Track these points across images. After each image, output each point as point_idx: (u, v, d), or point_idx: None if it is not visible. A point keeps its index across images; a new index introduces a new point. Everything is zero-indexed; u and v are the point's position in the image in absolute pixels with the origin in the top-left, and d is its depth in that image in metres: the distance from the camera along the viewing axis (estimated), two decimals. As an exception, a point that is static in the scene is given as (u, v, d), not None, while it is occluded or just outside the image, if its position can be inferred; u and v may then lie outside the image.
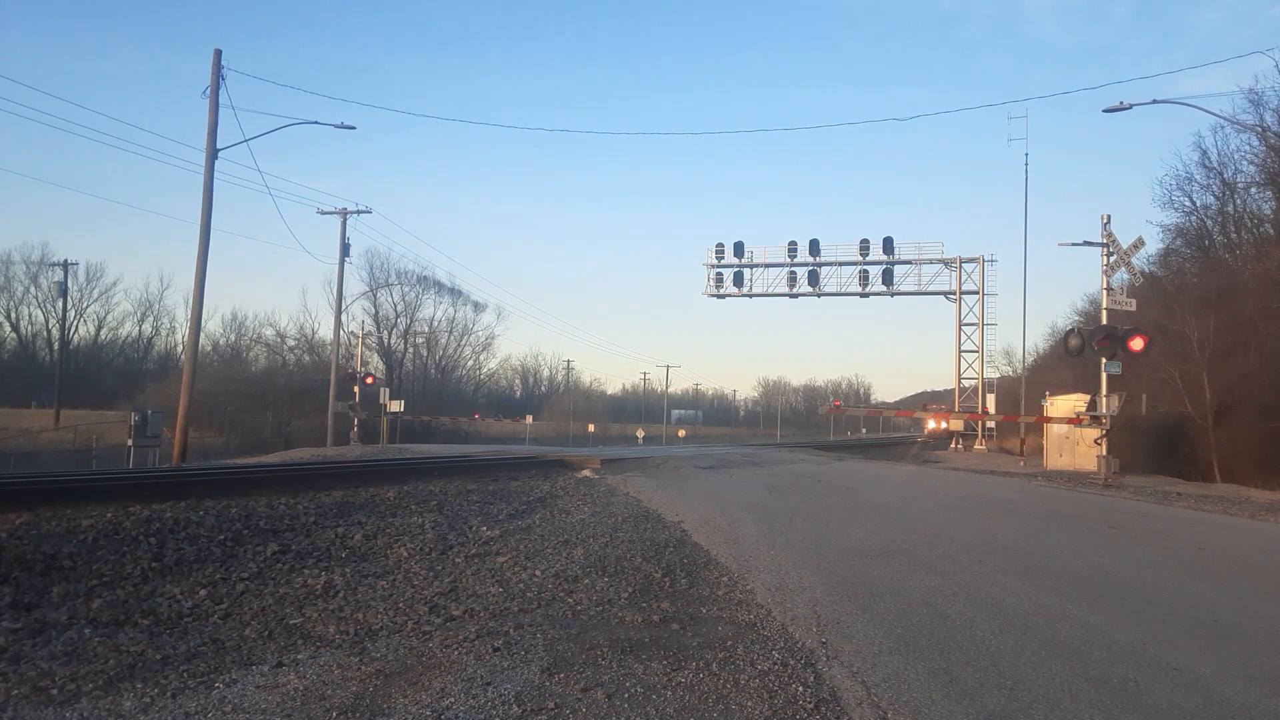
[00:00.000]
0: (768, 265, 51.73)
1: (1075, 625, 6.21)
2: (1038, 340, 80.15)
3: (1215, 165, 32.83)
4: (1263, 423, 23.15)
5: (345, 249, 41.23)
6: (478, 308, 76.23)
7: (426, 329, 70.96)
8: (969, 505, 15.09)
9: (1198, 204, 34.69)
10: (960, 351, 50.50)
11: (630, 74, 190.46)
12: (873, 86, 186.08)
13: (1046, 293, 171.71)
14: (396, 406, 41.25)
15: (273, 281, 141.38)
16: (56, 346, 63.84)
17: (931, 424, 58.32)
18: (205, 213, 24.86)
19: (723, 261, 52.10)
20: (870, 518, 12.74)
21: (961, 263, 50.13)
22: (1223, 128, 31.35)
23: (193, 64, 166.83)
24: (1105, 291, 23.78)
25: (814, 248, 50.77)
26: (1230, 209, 33.05)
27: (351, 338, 49.44)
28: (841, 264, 51.02)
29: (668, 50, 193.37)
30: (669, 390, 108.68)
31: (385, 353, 66.46)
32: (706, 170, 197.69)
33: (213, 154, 24.95)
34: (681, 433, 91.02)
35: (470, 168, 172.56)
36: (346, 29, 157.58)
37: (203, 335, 39.78)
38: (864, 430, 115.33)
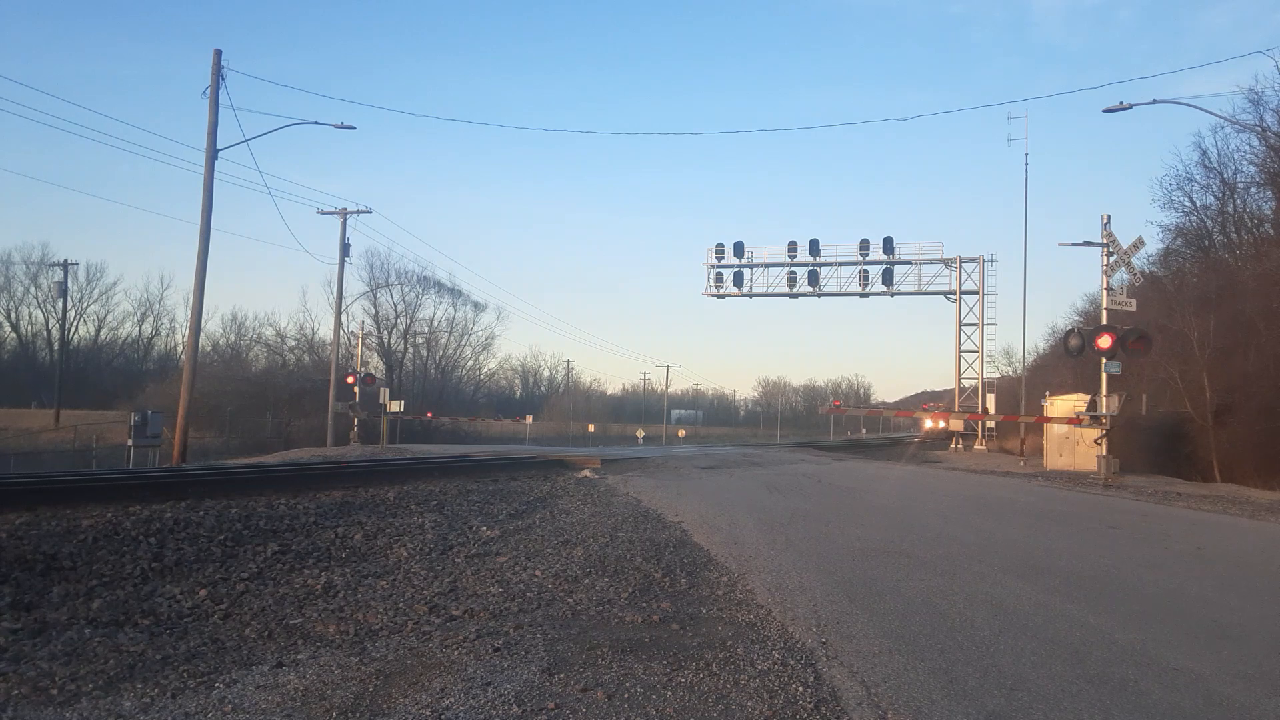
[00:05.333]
0: (768, 265, 51.68)
1: (1075, 625, 6.21)
2: (1038, 340, 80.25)
3: (1215, 165, 32.88)
4: (1263, 423, 23.15)
5: (345, 249, 41.24)
6: (478, 308, 76.24)
7: (426, 329, 70.98)
8: (969, 505, 15.09)
9: (1198, 204, 34.73)
10: (960, 351, 50.43)
11: (631, 74, 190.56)
12: (880, 89, 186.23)
13: (1046, 293, 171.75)
14: (396, 406, 41.22)
15: (273, 281, 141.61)
16: (56, 346, 63.82)
17: (929, 424, 58.23)
18: (205, 213, 24.87)
19: (723, 261, 52.05)
20: (870, 518, 12.74)
21: (961, 263, 50.10)
22: (1223, 128, 31.39)
23: (193, 64, 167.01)
24: (1105, 291, 23.79)
25: (814, 248, 50.73)
26: (1230, 209, 33.07)
27: (351, 338, 49.44)
28: (841, 264, 50.96)
29: (669, 51, 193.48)
30: (669, 390, 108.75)
31: (385, 353, 66.43)
32: (706, 170, 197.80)
33: (213, 154, 24.95)
34: (681, 433, 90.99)
35: (470, 168, 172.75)
36: (346, 29, 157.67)
37: (203, 335, 39.80)
38: (864, 430, 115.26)
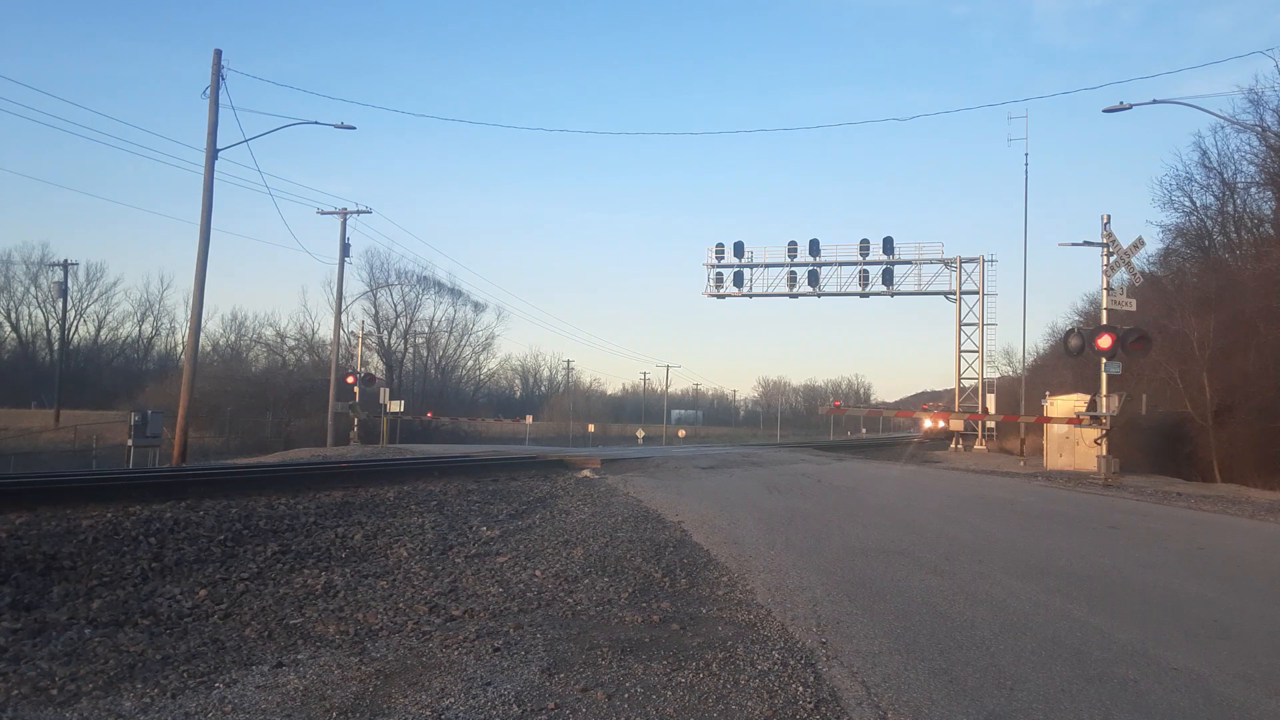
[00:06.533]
0: (768, 265, 51.67)
1: (1075, 625, 6.21)
2: (1038, 340, 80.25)
3: (1215, 165, 32.89)
4: (1263, 423, 23.15)
5: (345, 249, 41.24)
6: (478, 308, 76.29)
7: (426, 329, 71.03)
8: (969, 505, 15.08)
9: (1198, 204, 34.74)
10: (960, 351, 50.42)
11: (631, 75, 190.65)
12: (881, 89, 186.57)
13: (1046, 293, 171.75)
14: (396, 406, 41.23)
15: (273, 281, 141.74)
16: (56, 346, 63.82)
17: (929, 424, 58.22)
18: (205, 213, 24.87)
19: (723, 261, 52.05)
20: (870, 518, 12.74)
21: (961, 263, 50.08)
22: (1223, 128, 31.40)
23: (193, 64, 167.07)
24: (1105, 291, 23.79)
25: (814, 248, 50.72)
26: (1230, 209, 33.08)
27: (351, 338, 49.42)
28: (841, 264, 50.95)
29: (669, 51, 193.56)
30: (669, 390, 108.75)
31: (385, 353, 66.43)
32: (706, 170, 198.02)
33: (213, 154, 24.94)
34: (681, 433, 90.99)
35: (471, 168, 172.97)
36: (346, 29, 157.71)
37: (203, 335, 39.76)
38: (864, 430, 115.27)
